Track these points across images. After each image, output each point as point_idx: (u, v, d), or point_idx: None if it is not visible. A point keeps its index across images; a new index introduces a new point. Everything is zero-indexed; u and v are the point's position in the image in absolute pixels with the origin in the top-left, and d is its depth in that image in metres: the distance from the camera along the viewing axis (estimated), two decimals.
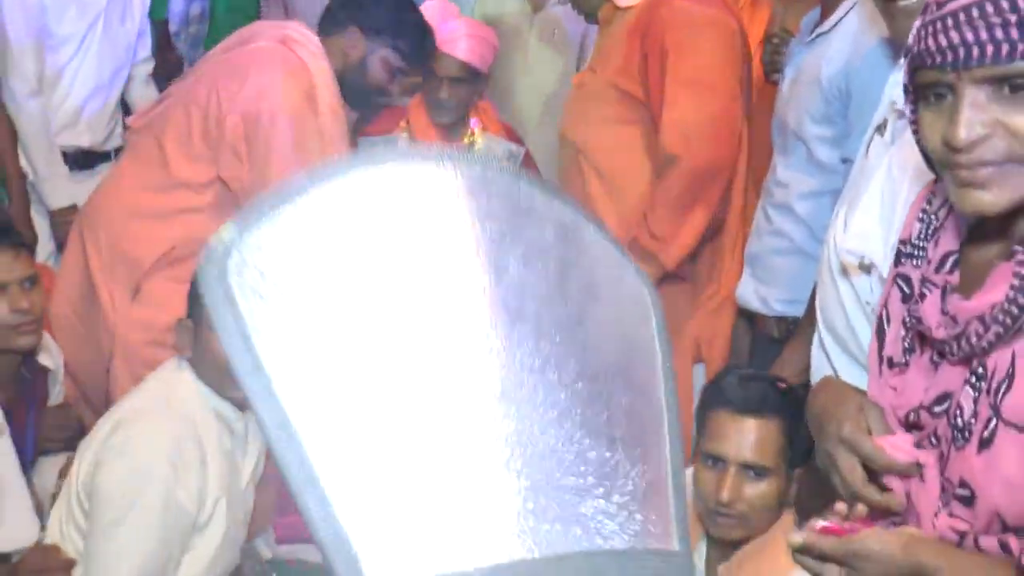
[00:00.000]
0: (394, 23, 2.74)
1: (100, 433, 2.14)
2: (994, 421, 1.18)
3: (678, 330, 2.59)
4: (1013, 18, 1.07)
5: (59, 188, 3.29)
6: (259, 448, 2.32)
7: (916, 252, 1.34)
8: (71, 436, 2.48)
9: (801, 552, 1.27)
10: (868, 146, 1.82)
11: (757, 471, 1.96)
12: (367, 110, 2.90)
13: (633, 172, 2.62)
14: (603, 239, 0.61)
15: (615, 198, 2.66)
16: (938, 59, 1.13)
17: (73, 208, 3.27)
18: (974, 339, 1.18)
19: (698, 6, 2.54)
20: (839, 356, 1.80)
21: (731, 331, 2.64)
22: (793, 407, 1.95)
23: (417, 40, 2.81)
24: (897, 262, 1.38)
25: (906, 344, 1.34)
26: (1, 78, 3.17)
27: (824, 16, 2.29)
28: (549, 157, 4.19)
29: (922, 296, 1.30)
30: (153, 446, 2.06)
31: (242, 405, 2.21)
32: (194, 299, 2.17)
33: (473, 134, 3.35)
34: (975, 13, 1.09)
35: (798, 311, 2.25)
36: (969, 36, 1.09)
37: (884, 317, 1.40)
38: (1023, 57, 1.08)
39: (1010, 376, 1.17)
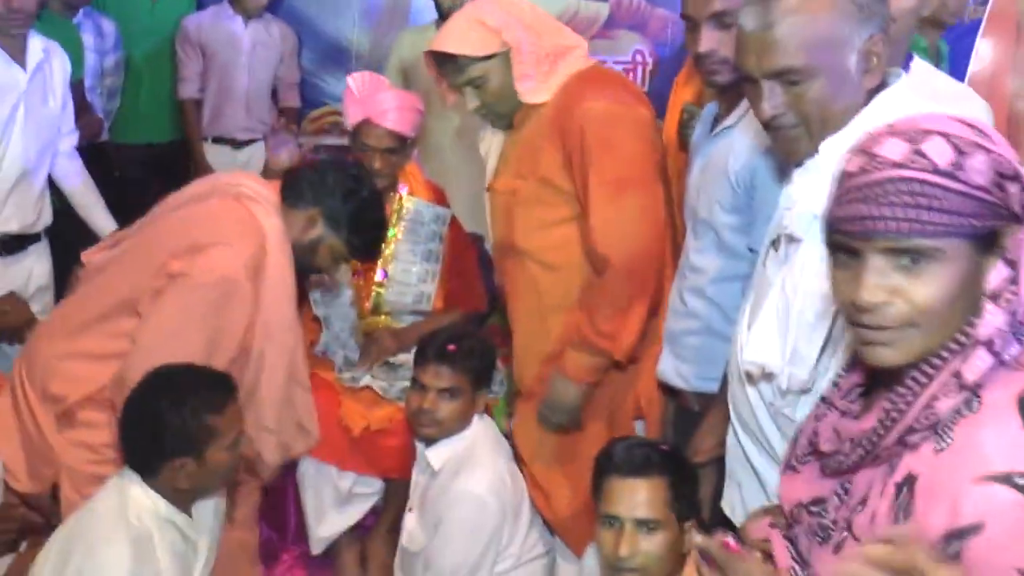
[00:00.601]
0: (355, 220, 2.77)
1: (53, 555, 2.21)
2: (846, 532, 1.37)
3: (624, 392, 2.80)
4: (915, 200, 1.23)
5: None
6: (208, 546, 2.43)
7: (837, 380, 1.51)
8: (13, 537, 2.57)
9: (700, 553, 1.57)
10: (765, 258, 1.97)
11: (650, 526, 2.20)
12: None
13: (580, 267, 2.72)
14: None
15: (564, 291, 2.75)
16: (846, 227, 1.29)
17: (11, 296, 3.33)
18: (842, 457, 1.38)
19: (611, 104, 2.61)
20: (750, 446, 2.01)
21: None
22: (676, 465, 2.27)
23: (371, 240, 2.86)
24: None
25: (805, 452, 1.53)
26: None
27: (726, 110, 2.41)
28: (469, 195, 4.34)
29: (823, 416, 1.48)
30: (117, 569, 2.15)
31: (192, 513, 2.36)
32: (176, 440, 2.25)
33: (401, 199, 3.43)
34: (882, 190, 1.25)
35: (714, 387, 2.38)
36: (875, 210, 1.25)
37: (798, 430, 1.59)
38: (921, 235, 1.23)
39: (864, 498, 1.35)
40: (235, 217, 2.60)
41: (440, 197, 3.57)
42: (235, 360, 2.58)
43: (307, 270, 2.84)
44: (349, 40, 5.33)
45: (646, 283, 2.64)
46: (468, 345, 2.92)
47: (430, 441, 2.91)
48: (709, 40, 2.30)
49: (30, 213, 3.46)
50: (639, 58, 4.75)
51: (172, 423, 2.23)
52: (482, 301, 3.64)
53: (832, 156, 1.68)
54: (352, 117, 3.33)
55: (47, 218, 3.56)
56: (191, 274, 2.47)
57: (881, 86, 1.80)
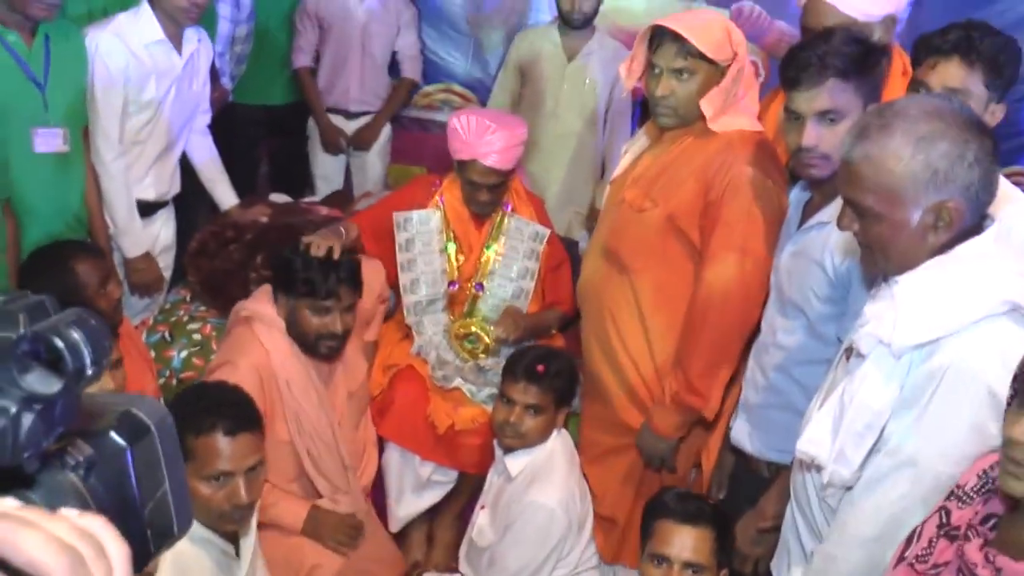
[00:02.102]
0: (291, 274, 2.98)
1: None
2: None
3: (691, 442, 3.01)
4: None
5: (135, 239, 3.62)
6: (250, 549, 2.52)
7: (964, 498, 1.69)
8: None
9: None
10: (837, 363, 2.12)
11: (695, 569, 2.45)
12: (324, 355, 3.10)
13: (673, 305, 2.86)
14: None
15: (667, 324, 2.89)
16: None
17: (146, 256, 3.62)
18: None
19: (762, 175, 2.69)
20: (800, 521, 2.22)
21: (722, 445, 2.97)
22: (722, 519, 2.52)
23: (321, 279, 2.97)
24: (947, 497, 1.74)
25: (924, 554, 1.72)
26: (91, 141, 3.45)
27: (820, 201, 2.49)
28: (570, 200, 4.50)
29: (967, 537, 1.66)
30: None
31: (233, 537, 2.46)
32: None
33: (504, 216, 3.57)
34: None
35: (787, 459, 2.48)
36: None
37: (918, 530, 1.78)
38: None
39: None
40: (242, 340, 3.01)
41: (541, 213, 3.69)
42: None
43: (316, 345, 3.03)
44: (470, 24, 5.34)
45: (736, 348, 2.77)
46: (555, 367, 3.09)
47: (510, 449, 3.12)
48: (812, 136, 2.38)
49: (166, 183, 3.75)
50: (751, 69, 4.82)
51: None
52: (572, 307, 3.77)
53: (905, 290, 1.85)
54: (457, 154, 3.42)
55: (177, 187, 3.84)
56: None
57: (974, 230, 1.87)
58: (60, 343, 0.62)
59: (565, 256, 3.78)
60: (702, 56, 2.70)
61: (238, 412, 2.40)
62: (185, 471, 0.81)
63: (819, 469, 2.03)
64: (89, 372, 0.64)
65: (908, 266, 1.86)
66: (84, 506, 0.67)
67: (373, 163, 5.14)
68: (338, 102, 5.04)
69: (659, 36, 2.75)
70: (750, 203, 2.69)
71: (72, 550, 0.58)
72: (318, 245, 3.00)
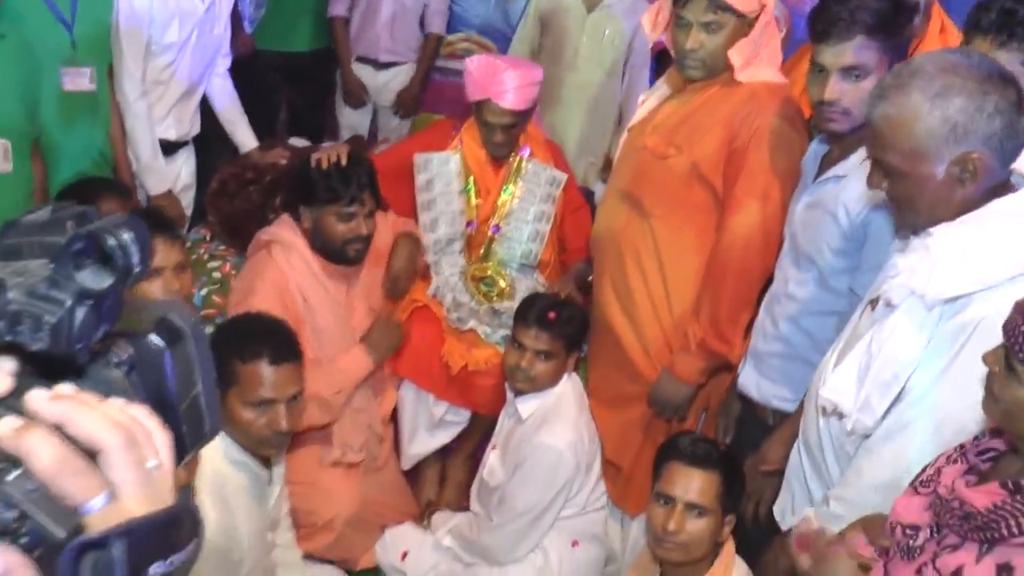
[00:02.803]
0: (312, 185, 3.11)
1: None
2: (930, 562, 1.61)
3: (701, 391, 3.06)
4: None
5: (159, 177, 3.69)
6: (280, 475, 2.72)
7: (981, 436, 1.74)
8: None
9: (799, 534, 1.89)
10: (862, 312, 2.16)
11: (699, 511, 2.51)
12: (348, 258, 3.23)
13: (694, 252, 2.90)
14: None
15: (669, 275, 2.95)
16: None
17: (169, 193, 3.69)
18: (947, 514, 1.60)
19: (786, 125, 2.74)
20: (809, 468, 2.27)
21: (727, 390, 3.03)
22: (730, 464, 2.59)
23: (343, 186, 3.12)
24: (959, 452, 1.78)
25: (928, 480, 1.77)
26: (115, 80, 3.50)
27: (839, 154, 2.52)
28: (587, 151, 4.53)
29: (955, 460, 1.72)
30: (206, 524, 2.35)
31: (267, 461, 2.61)
32: (218, 368, 2.48)
33: (521, 160, 3.61)
34: None
35: (791, 408, 2.60)
36: None
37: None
38: None
39: (954, 546, 1.58)
40: (262, 267, 3.15)
41: (559, 159, 3.74)
42: None
43: (344, 250, 3.17)
44: None
45: (755, 295, 2.82)
46: (567, 313, 3.16)
47: (521, 392, 3.19)
48: (835, 90, 2.41)
49: (186, 124, 3.81)
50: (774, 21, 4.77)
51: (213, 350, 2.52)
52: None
53: (941, 243, 1.88)
54: (473, 95, 3.47)
55: (196, 128, 3.90)
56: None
57: (1006, 186, 1.90)
58: (112, 241, 0.68)
59: (583, 202, 3.82)
60: (731, 9, 2.72)
61: (282, 342, 2.53)
62: (215, 378, 0.87)
63: (840, 417, 2.07)
64: (136, 269, 0.69)
65: (939, 220, 1.89)
66: (128, 399, 0.73)
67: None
68: (368, 51, 5.07)
69: None
70: (774, 152, 2.73)
71: (126, 428, 0.65)
72: (326, 157, 3.16)
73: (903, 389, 1.95)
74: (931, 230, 1.91)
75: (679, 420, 3.10)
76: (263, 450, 2.55)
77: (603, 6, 4.43)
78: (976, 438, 1.73)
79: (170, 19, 3.52)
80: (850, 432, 2.06)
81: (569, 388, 3.22)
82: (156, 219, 2.66)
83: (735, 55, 2.75)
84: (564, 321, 3.14)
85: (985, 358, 1.63)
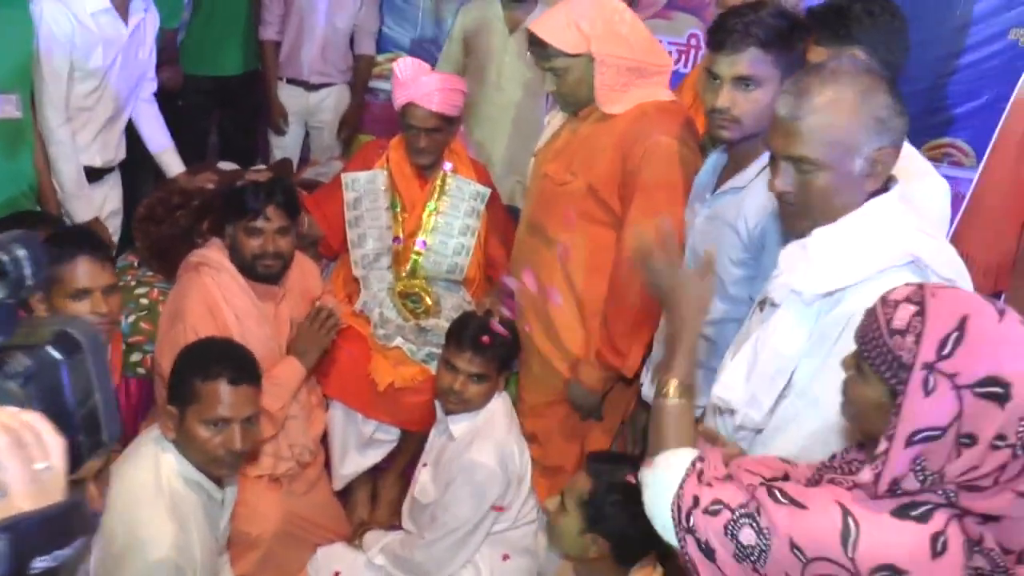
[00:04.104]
0: (231, 203, 3.16)
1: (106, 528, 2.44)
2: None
3: (618, 398, 3.16)
4: None
5: (84, 204, 3.68)
6: (232, 500, 2.77)
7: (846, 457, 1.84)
8: None
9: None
10: (751, 315, 2.25)
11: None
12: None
13: (600, 272, 2.97)
14: None
15: (580, 295, 3.03)
16: None
17: (95, 220, 3.68)
18: None
19: (676, 143, 2.81)
20: None
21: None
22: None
23: (254, 195, 3.15)
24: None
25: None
26: (37, 108, 3.48)
27: (734, 166, 2.59)
28: (513, 169, 4.58)
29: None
30: (163, 541, 2.40)
31: (221, 481, 2.65)
32: (179, 387, 2.56)
33: (445, 175, 3.66)
34: None
35: (696, 414, 2.63)
36: None
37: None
38: None
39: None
40: (189, 286, 3.16)
41: (483, 176, 3.79)
42: None
43: (255, 266, 3.19)
44: None
45: (657, 309, 2.81)
46: (499, 337, 3.21)
47: (452, 412, 3.23)
48: (727, 98, 2.48)
49: (112, 150, 3.80)
50: (693, 41, 4.86)
51: (175, 369, 2.60)
52: None
53: (820, 243, 1.98)
54: (398, 100, 3.52)
55: (123, 154, 3.89)
56: None
57: (880, 190, 2.01)
58: (4, 256, 0.71)
59: (508, 219, 3.86)
60: (559, 52, 2.83)
61: (243, 364, 2.61)
62: (112, 383, 0.91)
63: (732, 413, 2.15)
64: (29, 283, 0.73)
65: (836, 216, 1.98)
66: (22, 408, 0.76)
67: (328, 132, 5.24)
68: (298, 73, 5.09)
69: (531, 38, 2.89)
70: (667, 169, 2.80)
71: (13, 431, 0.68)
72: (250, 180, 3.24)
73: (789, 383, 2.03)
74: (813, 232, 2.00)
75: (596, 421, 3.19)
76: (217, 469, 2.59)
77: (525, 26, 4.47)
78: (846, 450, 1.83)
79: (93, 45, 3.51)
80: (739, 426, 2.14)
81: (499, 405, 3.27)
82: (86, 240, 2.66)
83: (598, 94, 2.86)
84: (497, 344, 3.19)
85: (843, 362, 1.72)
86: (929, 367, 1.51)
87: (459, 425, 3.21)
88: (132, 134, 3.98)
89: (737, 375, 2.13)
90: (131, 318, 3.63)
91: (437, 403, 3.32)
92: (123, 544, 2.39)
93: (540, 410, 3.30)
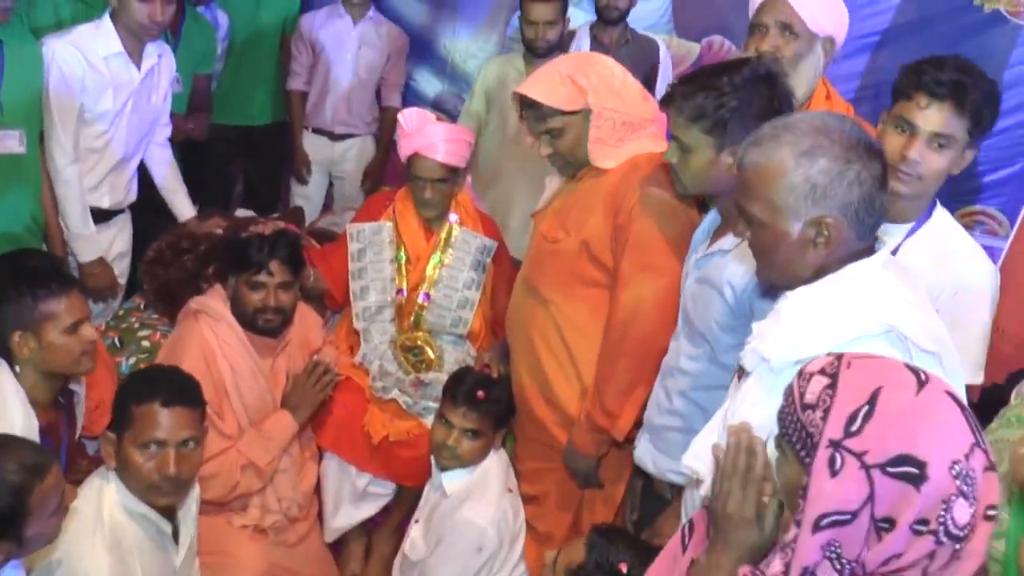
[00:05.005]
0: (234, 255, 3.16)
1: (38, 563, 2.39)
2: None
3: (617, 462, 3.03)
4: None
5: (89, 244, 3.70)
6: (189, 537, 2.69)
7: None
8: None
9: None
10: (731, 384, 2.14)
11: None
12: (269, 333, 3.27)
13: (597, 331, 2.89)
14: None
15: (575, 355, 2.95)
16: None
17: (100, 261, 3.70)
18: None
19: (667, 196, 2.72)
20: None
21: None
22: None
23: (257, 249, 3.16)
24: None
25: None
26: (45, 147, 3.52)
27: (724, 227, 2.49)
28: (530, 225, 4.53)
29: None
30: (97, 574, 2.38)
31: (169, 511, 2.60)
32: (117, 413, 2.53)
33: (451, 227, 3.63)
34: None
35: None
36: None
37: None
38: None
39: None
40: (187, 333, 3.18)
41: (490, 228, 3.76)
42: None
43: (255, 319, 3.19)
44: (447, 49, 5.45)
45: (650, 369, 2.77)
46: (496, 393, 3.15)
47: (447, 467, 3.15)
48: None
49: (121, 192, 3.83)
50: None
51: (116, 396, 2.58)
52: None
53: (792, 308, 1.86)
54: (404, 150, 3.52)
55: (133, 196, 3.92)
56: None
57: (867, 252, 1.89)
58: None
59: (516, 272, 3.80)
60: (556, 111, 2.79)
61: (178, 387, 2.57)
62: None
63: (699, 485, 2.04)
64: None
65: (790, 278, 1.89)
66: None
67: (351, 182, 5.27)
68: (324, 124, 5.15)
69: (523, 103, 2.87)
70: (657, 223, 2.73)
71: None
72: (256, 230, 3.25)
73: None
74: (787, 294, 1.90)
75: (595, 488, 3.08)
76: (156, 498, 2.52)
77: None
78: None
79: (104, 88, 3.55)
80: (706, 497, 2.01)
81: (495, 463, 3.19)
82: (56, 274, 2.69)
83: (592, 148, 2.81)
84: (493, 400, 3.13)
85: (774, 441, 1.60)
86: (835, 444, 1.39)
87: (453, 481, 3.14)
88: (147, 177, 4.01)
89: (706, 444, 2.01)
90: (132, 360, 3.64)
91: (432, 459, 3.25)
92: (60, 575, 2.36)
93: (538, 475, 3.21)
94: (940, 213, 2.50)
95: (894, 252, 2.26)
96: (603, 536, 2.55)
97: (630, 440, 2.90)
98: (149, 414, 2.48)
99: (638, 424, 2.85)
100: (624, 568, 2.38)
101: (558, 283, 2.95)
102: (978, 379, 2.47)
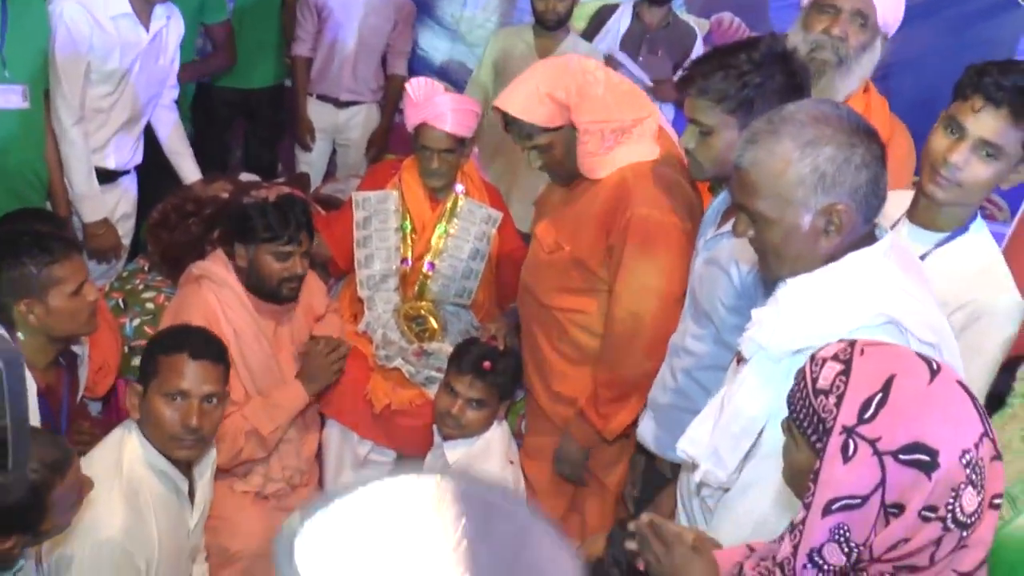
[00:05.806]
0: (250, 223, 3.10)
1: None
2: None
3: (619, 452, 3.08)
4: None
5: (93, 205, 3.69)
6: (204, 501, 2.72)
7: None
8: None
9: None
10: (730, 366, 2.14)
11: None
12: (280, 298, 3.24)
13: (594, 336, 2.92)
14: (546, 531, 0.79)
15: (570, 356, 2.99)
16: None
17: (104, 222, 3.69)
18: None
19: (659, 213, 2.71)
20: (682, 517, 2.29)
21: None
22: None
23: (282, 225, 3.11)
24: None
25: None
26: (51, 106, 3.51)
27: (733, 208, 2.38)
28: (532, 197, 4.52)
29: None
30: (111, 521, 2.39)
31: (187, 466, 2.62)
32: (145, 364, 2.57)
33: (457, 197, 3.63)
34: None
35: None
36: None
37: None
38: None
39: None
40: (191, 297, 3.17)
41: (495, 199, 3.75)
42: None
43: (279, 289, 3.17)
44: (455, 18, 5.42)
45: (648, 380, 2.79)
46: (502, 364, 3.16)
47: (450, 437, 3.17)
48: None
49: (127, 153, 3.82)
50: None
51: (145, 351, 2.62)
52: None
53: (791, 296, 1.86)
54: (411, 120, 3.50)
55: (138, 158, 3.91)
56: None
57: (868, 239, 1.88)
58: None
59: (521, 244, 3.80)
60: (542, 129, 2.77)
61: (206, 341, 2.63)
62: (27, 411, 0.87)
63: (694, 469, 2.05)
64: None
65: (802, 271, 1.87)
66: None
67: (355, 149, 5.25)
68: (329, 90, 5.12)
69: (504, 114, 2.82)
70: (648, 243, 2.72)
71: None
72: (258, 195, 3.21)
73: (757, 443, 1.92)
74: (788, 281, 1.89)
75: (576, 483, 3.14)
76: (174, 449, 2.55)
77: (555, 55, 4.43)
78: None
79: (111, 48, 3.54)
80: (700, 483, 2.05)
81: (497, 435, 3.20)
82: (56, 238, 2.68)
83: (581, 161, 2.79)
84: (499, 371, 3.14)
85: (782, 425, 1.62)
86: (849, 431, 1.41)
87: (454, 451, 3.15)
88: (153, 139, 4.00)
89: (702, 429, 2.04)
90: (136, 322, 3.63)
91: (435, 427, 3.27)
92: (75, 520, 2.37)
93: (541, 453, 3.21)
94: (979, 228, 2.33)
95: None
96: (625, 530, 2.56)
97: (627, 434, 2.96)
98: (176, 364, 2.52)
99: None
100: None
101: (552, 289, 2.97)
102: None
